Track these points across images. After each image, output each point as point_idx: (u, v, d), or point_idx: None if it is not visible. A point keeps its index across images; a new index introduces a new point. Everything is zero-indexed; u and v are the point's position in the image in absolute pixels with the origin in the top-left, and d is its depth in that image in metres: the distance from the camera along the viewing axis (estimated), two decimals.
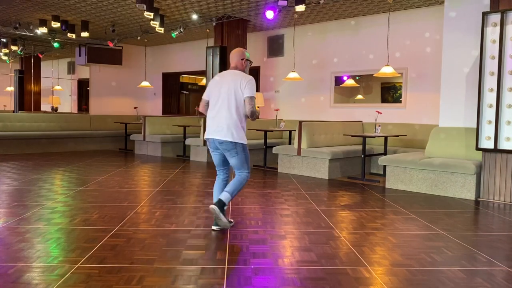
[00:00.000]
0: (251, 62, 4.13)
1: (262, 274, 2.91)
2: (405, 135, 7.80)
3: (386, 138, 7.36)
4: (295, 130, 7.77)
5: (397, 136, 7.59)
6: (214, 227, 3.96)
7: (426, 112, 7.99)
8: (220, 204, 3.81)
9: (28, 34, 10.64)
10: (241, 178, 3.96)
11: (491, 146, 5.53)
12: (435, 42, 7.81)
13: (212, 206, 3.80)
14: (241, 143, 3.89)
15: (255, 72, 10.65)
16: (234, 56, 4.05)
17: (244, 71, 4.02)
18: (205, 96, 4.08)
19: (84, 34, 10.12)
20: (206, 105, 4.07)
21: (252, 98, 3.83)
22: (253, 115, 3.86)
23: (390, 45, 7.91)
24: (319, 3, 7.48)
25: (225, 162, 4.08)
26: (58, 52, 13.11)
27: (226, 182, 4.13)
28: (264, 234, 3.87)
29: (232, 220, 4.16)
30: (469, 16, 6.04)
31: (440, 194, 5.89)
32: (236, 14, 8.84)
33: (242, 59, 4.03)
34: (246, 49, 9.41)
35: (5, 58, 13.46)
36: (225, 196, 3.85)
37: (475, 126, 5.73)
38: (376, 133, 7.22)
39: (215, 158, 4.07)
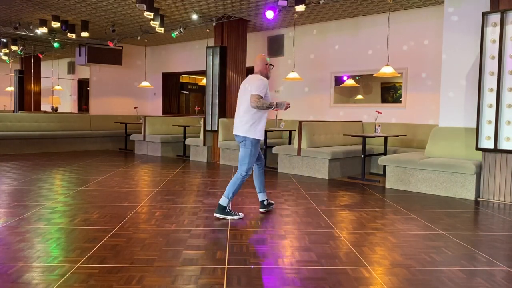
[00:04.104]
0: (272, 65, 4.70)
1: (262, 274, 2.91)
2: (405, 135, 7.80)
3: (386, 138, 7.36)
4: (295, 130, 7.77)
5: (397, 136, 7.58)
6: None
7: (426, 112, 7.99)
8: (220, 208, 4.38)
9: (28, 34, 10.63)
10: (235, 177, 4.43)
11: (491, 146, 5.53)
12: (435, 42, 7.80)
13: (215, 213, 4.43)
14: (251, 138, 4.38)
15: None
16: (258, 62, 4.61)
17: (268, 74, 4.60)
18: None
19: (84, 34, 10.11)
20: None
21: (255, 95, 4.30)
22: (259, 108, 4.34)
23: (390, 45, 7.90)
24: (319, 3, 7.48)
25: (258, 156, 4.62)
26: (58, 52, 13.11)
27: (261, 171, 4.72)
28: (264, 234, 3.87)
29: (239, 214, 4.47)
30: (469, 16, 6.04)
31: (440, 194, 5.89)
32: (236, 14, 8.84)
33: (266, 64, 4.59)
34: (246, 49, 9.47)
35: (5, 58, 13.46)
36: (222, 199, 4.40)
37: (475, 126, 5.73)
38: (376, 133, 7.22)
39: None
